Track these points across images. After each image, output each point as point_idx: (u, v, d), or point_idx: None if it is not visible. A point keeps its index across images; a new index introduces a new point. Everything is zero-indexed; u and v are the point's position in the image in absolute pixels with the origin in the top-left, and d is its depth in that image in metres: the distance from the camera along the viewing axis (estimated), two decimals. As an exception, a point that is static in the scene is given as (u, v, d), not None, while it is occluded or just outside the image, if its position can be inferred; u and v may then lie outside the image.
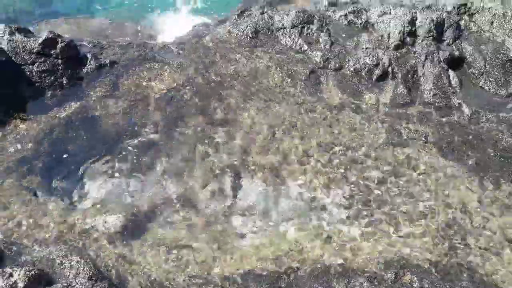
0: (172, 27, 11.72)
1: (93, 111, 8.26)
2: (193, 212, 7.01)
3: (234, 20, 10.34)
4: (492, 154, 7.93)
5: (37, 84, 8.47)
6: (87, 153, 7.69)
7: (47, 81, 8.52)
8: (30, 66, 8.45)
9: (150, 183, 7.39)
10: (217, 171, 7.53)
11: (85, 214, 6.64)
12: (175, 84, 8.90)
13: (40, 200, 6.90)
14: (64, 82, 8.63)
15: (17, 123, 7.99)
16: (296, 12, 9.91)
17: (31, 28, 9.61)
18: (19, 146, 7.69)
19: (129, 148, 7.83)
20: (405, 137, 8.17)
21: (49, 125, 7.90)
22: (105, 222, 6.51)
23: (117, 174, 7.47)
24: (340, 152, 7.88)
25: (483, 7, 9.82)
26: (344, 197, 7.24)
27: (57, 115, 8.11)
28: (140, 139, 7.97)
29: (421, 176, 7.60)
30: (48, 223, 6.50)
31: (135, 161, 7.65)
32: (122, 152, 7.77)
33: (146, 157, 7.70)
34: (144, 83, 8.87)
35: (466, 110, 8.61)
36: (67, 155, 7.65)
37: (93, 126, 8.05)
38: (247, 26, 9.96)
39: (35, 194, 7.04)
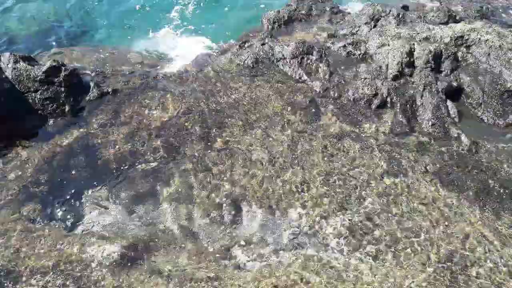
0: (175, 55, 11.94)
1: (94, 139, 8.32)
2: (192, 241, 6.97)
3: (235, 51, 10.54)
4: (492, 185, 7.93)
5: (39, 111, 8.57)
6: (87, 181, 7.71)
7: (49, 109, 8.62)
8: (33, 94, 8.57)
9: (150, 212, 7.37)
10: (217, 200, 7.52)
11: (84, 243, 6.61)
12: (176, 113, 9.00)
13: (39, 228, 6.88)
14: (67, 109, 8.74)
15: (18, 151, 8.05)
16: (296, 43, 10.11)
17: (36, 56, 9.82)
18: (19, 173, 7.72)
19: (130, 176, 7.85)
20: (405, 167, 8.19)
21: (50, 153, 7.95)
22: (104, 251, 6.47)
23: (117, 203, 7.46)
24: (340, 182, 7.88)
25: (479, 39, 9.99)
26: (344, 227, 7.20)
27: (59, 143, 8.17)
28: (140, 167, 8.00)
29: (421, 206, 7.57)
30: (46, 251, 6.46)
31: (135, 189, 7.65)
32: (123, 180, 7.78)
33: (146, 185, 7.71)
34: (146, 112, 8.97)
35: (465, 140, 8.65)
36: (67, 183, 7.66)
37: (94, 154, 8.09)
38: (248, 56, 10.15)
39: (34, 222, 7.03)
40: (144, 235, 6.94)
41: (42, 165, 7.80)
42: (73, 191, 7.55)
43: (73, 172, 7.81)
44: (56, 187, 7.57)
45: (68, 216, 7.19)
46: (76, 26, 13.28)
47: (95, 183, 7.69)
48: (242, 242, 6.99)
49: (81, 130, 8.48)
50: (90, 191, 7.57)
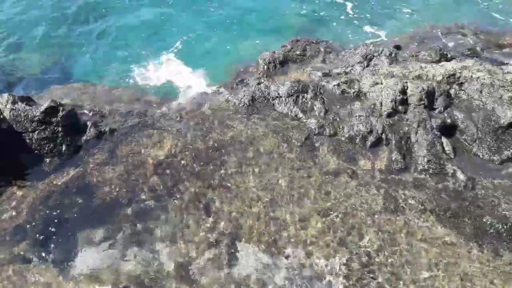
0: (173, 91, 12.01)
1: (90, 178, 8.30)
2: (188, 281, 6.84)
3: (232, 89, 10.69)
4: (490, 221, 7.88)
5: (36, 151, 8.58)
6: (82, 220, 7.63)
7: (46, 148, 8.64)
8: (31, 134, 8.61)
9: (145, 251, 7.26)
10: (213, 239, 7.43)
11: (77, 283, 6.48)
12: (173, 151, 9.02)
13: (33, 268, 6.76)
14: (63, 149, 8.76)
15: (14, 190, 8.01)
16: (291, 82, 10.28)
17: (34, 95, 9.91)
18: (14, 213, 7.66)
19: (125, 215, 7.78)
20: (402, 204, 8.16)
21: (46, 192, 7.92)
22: (97, 292, 6.35)
23: (111, 242, 7.36)
24: (338, 219, 7.83)
25: (471, 76, 10.17)
26: (342, 265, 7.10)
27: (54, 182, 8.15)
28: (136, 206, 7.94)
29: (419, 244, 7.49)
30: (38, 293, 6.34)
31: (130, 228, 7.57)
32: (118, 220, 7.70)
33: (142, 224, 7.63)
34: (142, 150, 9.00)
35: (461, 176, 8.66)
36: (62, 222, 7.58)
37: (89, 193, 8.05)
38: (244, 95, 10.29)
39: (28, 261, 6.92)
40: (139, 274, 6.81)
41: (37, 204, 7.74)
42: (67, 230, 7.47)
43: (68, 212, 7.74)
44: (51, 227, 7.49)
45: (62, 256, 7.08)
46: (73, 64, 13.43)
47: (90, 222, 7.61)
48: (238, 282, 6.86)
49: (77, 169, 8.48)
50: (84, 231, 7.48)
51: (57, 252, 7.16)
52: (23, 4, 16.43)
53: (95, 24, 15.32)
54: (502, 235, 7.67)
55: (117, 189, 8.16)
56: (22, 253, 7.07)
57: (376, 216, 7.91)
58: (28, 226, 7.44)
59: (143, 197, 8.09)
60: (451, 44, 13.26)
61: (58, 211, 7.71)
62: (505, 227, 7.75)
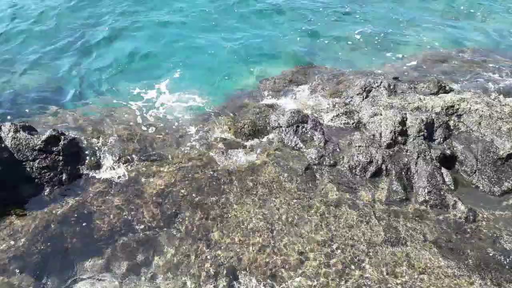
0: (172, 118, 12.04)
1: (90, 207, 8.27)
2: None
3: (232, 118, 10.76)
4: (492, 253, 7.82)
5: (36, 180, 8.57)
6: (81, 251, 7.56)
7: (46, 177, 8.63)
8: (31, 163, 8.62)
9: (143, 282, 7.17)
10: (213, 271, 7.35)
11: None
12: (173, 180, 9.02)
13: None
14: (63, 178, 8.75)
15: (12, 219, 7.96)
16: (291, 112, 10.38)
17: (34, 121, 9.95)
18: (12, 242, 7.58)
19: (124, 245, 7.71)
20: (403, 235, 8.11)
21: (45, 222, 7.87)
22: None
23: (110, 273, 7.27)
24: (339, 251, 7.77)
25: (470, 108, 10.29)
26: (343, 298, 7.01)
27: (54, 211, 8.11)
28: (135, 236, 7.88)
29: (421, 276, 7.41)
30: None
31: (129, 258, 7.49)
32: (117, 250, 7.63)
33: (141, 254, 7.56)
34: (142, 179, 9.00)
35: (462, 208, 8.64)
36: (61, 253, 7.50)
37: (89, 222, 8.00)
38: (244, 124, 10.36)
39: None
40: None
41: (35, 234, 7.68)
42: (66, 261, 7.38)
43: (67, 242, 7.67)
44: (49, 258, 7.40)
45: (61, 287, 6.98)
46: (73, 91, 13.50)
47: (89, 253, 7.54)
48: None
49: (77, 198, 8.45)
50: (84, 262, 7.40)
51: (55, 283, 7.06)
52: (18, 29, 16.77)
53: (94, 51, 15.55)
54: (505, 267, 7.59)
55: (117, 219, 8.11)
56: (19, 283, 6.96)
57: (377, 247, 7.85)
58: (26, 256, 7.35)
59: (142, 227, 8.04)
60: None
61: (57, 240, 7.64)
62: (507, 259, 7.68)
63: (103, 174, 9.04)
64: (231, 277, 7.25)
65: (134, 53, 15.33)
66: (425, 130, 9.80)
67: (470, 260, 7.70)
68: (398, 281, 7.29)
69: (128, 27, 17.13)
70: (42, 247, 7.50)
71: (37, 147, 8.71)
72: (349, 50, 15.91)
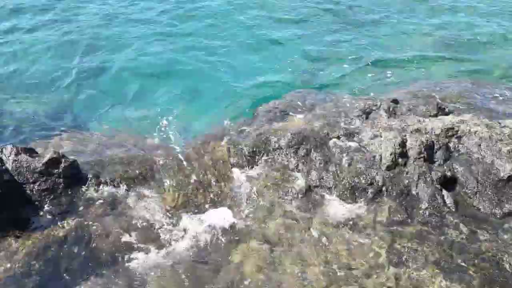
0: (171, 141, 12.07)
1: (90, 230, 8.24)
2: None
3: (232, 140, 10.78)
4: (496, 274, 7.74)
5: (36, 202, 8.57)
6: (80, 274, 7.49)
7: (46, 200, 8.64)
8: (31, 185, 8.63)
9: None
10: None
11: None
12: (174, 204, 9.03)
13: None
14: (63, 200, 8.75)
15: (10, 242, 7.92)
16: (291, 134, 10.43)
17: (36, 143, 10.01)
18: (9, 265, 7.53)
19: (125, 268, 7.65)
20: (405, 257, 8.04)
21: (43, 244, 7.83)
22: None
23: (108, 296, 7.21)
24: (340, 273, 7.69)
25: (469, 130, 10.31)
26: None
27: (52, 233, 8.08)
28: (136, 259, 7.83)
29: (424, 299, 7.33)
30: None
31: (130, 283, 7.41)
32: (116, 273, 7.57)
33: (141, 279, 7.49)
34: (142, 203, 8.99)
35: (463, 229, 8.60)
36: (59, 274, 7.44)
37: (88, 245, 7.96)
38: (245, 145, 10.39)
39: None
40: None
41: (33, 257, 7.63)
42: (64, 284, 7.32)
43: (66, 264, 7.62)
44: (47, 280, 7.34)
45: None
46: (75, 114, 13.61)
47: (87, 275, 7.47)
48: None
49: (77, 220, 8.42)
50: (82, 284, 7.33)
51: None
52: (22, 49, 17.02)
53: (96, 75, 15.76)
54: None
55: (117, 241, 8.08)
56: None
57: (379, 269, 7.77)
58: (23, 279, 7.28)
59: (143, 250, 7.99)
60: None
61: (55, 263, 7.59)
62: (510, 282, 7.59)
63: (103, 196, 9.02)
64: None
65: (137, 76, 15.57)
66: (425, 152, 9.81)
67: (474, 281, 7.61)
68: (401, 304, 7.20)
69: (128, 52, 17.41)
70: (40, 269, 7.44)
71: (37, 170, 8.73)
72: (348, 73, 16.11)
